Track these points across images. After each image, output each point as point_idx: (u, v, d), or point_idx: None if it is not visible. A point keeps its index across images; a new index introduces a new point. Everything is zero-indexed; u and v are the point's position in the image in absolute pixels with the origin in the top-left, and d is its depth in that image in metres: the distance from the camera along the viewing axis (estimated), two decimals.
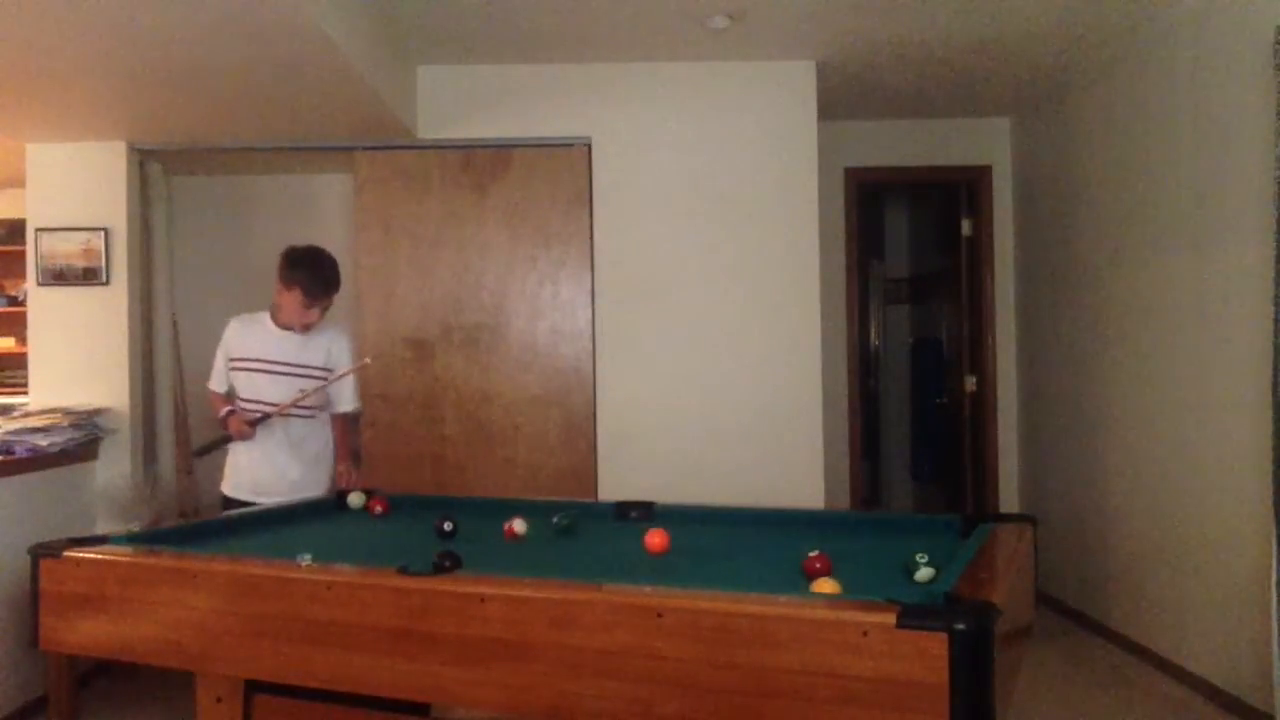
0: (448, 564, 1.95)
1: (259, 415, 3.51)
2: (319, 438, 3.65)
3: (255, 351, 3.54)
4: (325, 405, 3.66)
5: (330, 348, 3.61)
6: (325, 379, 3.56)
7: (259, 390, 3.54)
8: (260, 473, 3.56)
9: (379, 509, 3.12)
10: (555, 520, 2.66)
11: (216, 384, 3.65)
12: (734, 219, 4.61)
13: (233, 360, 3.59)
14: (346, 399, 3.69)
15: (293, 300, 3.48)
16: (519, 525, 2.57)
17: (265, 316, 3.60)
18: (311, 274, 3.47)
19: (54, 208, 4.54)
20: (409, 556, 2.03)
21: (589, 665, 1.70)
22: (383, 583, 1.89)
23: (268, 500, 3.40)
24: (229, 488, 3.61)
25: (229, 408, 3.58)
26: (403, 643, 1.85)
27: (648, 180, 4.64)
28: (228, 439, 3.58)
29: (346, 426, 3.76)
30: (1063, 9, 4.02)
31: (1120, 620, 4.61)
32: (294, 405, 3.51)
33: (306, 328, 3.54)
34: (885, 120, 5.78)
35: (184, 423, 5.15)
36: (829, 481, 4.86)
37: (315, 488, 3.60)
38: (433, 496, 3.39)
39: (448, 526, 2.56)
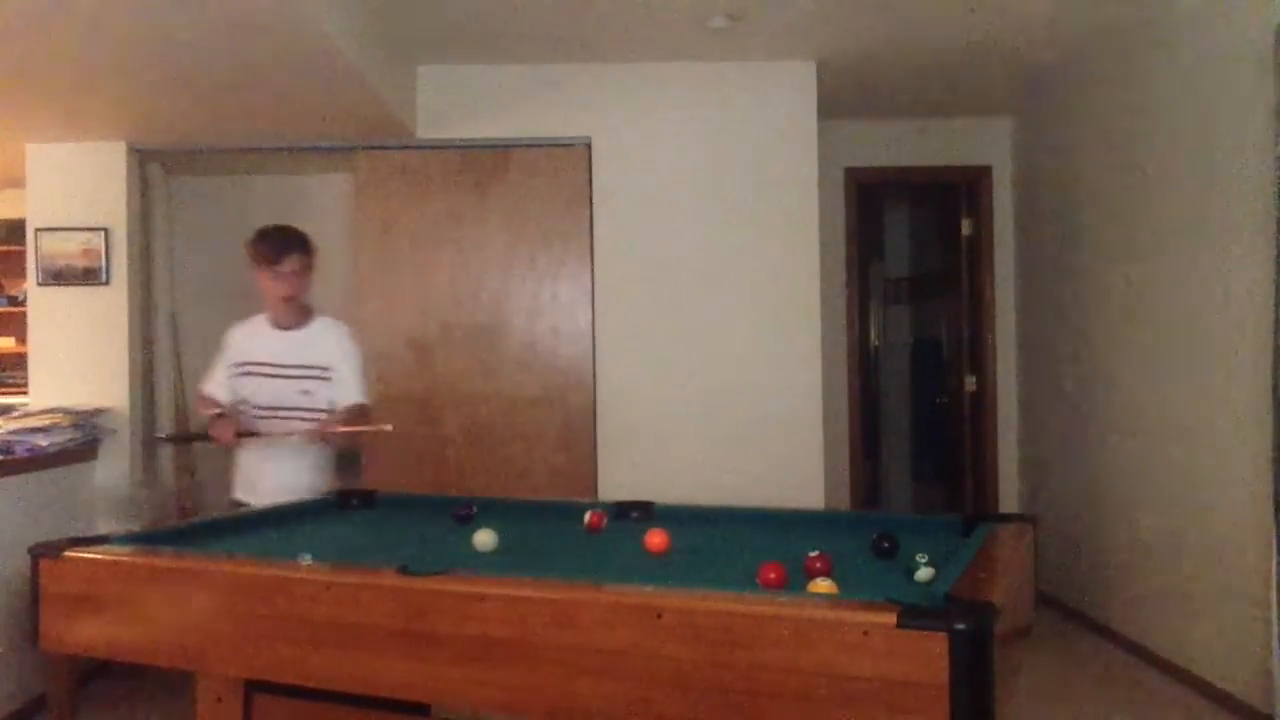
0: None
1: (249, 431, 3.31)
2: (319, 445, 3.44)
3: (256, 354, 3.40)
4: (329, 406, 3.39)
5: (330, 345, 3.42)
6: (326, 379, 3.36)
7: (263, 395, 3.38)
8: (260, 477, 3.42)
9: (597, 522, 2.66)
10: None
11: (210, 387, 3.45)
12: (734, 219, 4.61)
13: (236, 366, 3.42)
14: (352, 391, 3.38)
15: (262, 278, 3.33)
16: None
17: (262, 319, 3.46)
18: (262, 244, 3.34)
19: (54, 208, 4.54)
20: (409, 556, 2.03)
21: (589, 665, 1.69)
22: (383, 583, 1.89)
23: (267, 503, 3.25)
24: (238, 491, 3.48)
25: (218, 410, 3.37)
26: (403, 643, 1.84)
27: (648, 180, 4.64)
28: (205, 436, 3.38)
29: (351, 420, 3.35)
30: (1063, 9, 4.02)
31: (1120, 620, 4.61)
32: (283, 437, 3.32)
33: (289, 303, 3.35)
34: (885, 120, 5.78)
35: (184, 423, 5.15)
36: (829, 481, 4.86)
37: (314, 494, 3.42)
38: (434, 496, 3.38)
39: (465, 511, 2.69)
